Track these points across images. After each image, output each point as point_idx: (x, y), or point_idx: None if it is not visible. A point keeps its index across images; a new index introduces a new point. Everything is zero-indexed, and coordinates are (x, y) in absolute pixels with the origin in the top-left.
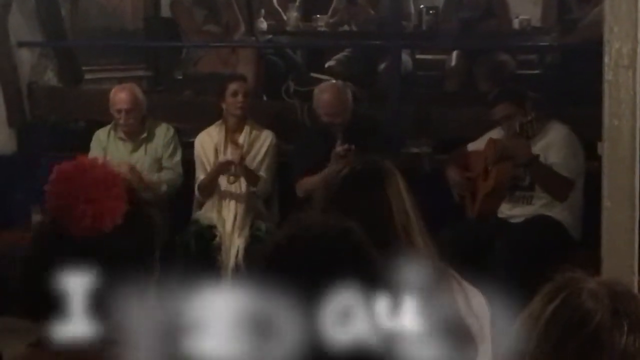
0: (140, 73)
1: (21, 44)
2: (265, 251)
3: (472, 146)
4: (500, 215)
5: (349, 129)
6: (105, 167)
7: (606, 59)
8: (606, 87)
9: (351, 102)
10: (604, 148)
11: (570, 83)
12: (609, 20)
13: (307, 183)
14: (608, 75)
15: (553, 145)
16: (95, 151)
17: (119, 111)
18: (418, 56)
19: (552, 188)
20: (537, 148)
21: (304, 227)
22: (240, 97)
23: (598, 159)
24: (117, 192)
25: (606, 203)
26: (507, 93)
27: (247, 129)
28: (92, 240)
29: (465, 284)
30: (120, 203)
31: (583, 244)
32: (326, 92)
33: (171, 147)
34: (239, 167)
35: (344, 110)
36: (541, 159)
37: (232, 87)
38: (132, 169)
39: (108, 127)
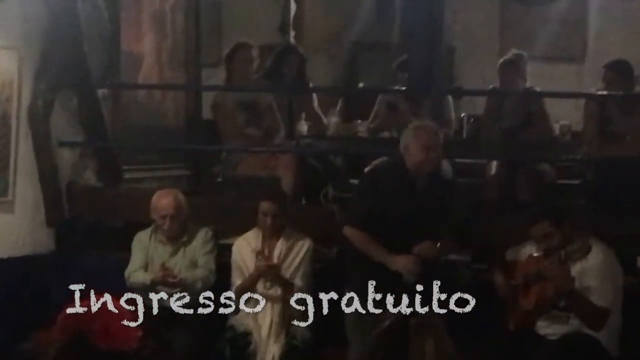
0: (180, 172)
1: (62, 144)
2: None
3: (509, 254)
4: (537, 330)
5: (429, 184)
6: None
7: None
8: None
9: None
10: None
11: (612, 194)
12: None
13: (355, 236)
14: None
15: (592, 269)
16: (137, 252)
17: (163, 217)
18: (458, 160)
19: (588, 318)
20: (575, 269)
21: None
22: (268, 220)
23: (637, 274)
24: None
25: None
26: (546, 211)
27: (283, 237)
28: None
29: None
30: (131, 334)
31: None
32: (424, 129)
33: (208, 247)
34: (274, 277)
35: (438, 156)
36: (579, 281)
37: (264, 206)
38: (165, 270)
39: (149, 229)
